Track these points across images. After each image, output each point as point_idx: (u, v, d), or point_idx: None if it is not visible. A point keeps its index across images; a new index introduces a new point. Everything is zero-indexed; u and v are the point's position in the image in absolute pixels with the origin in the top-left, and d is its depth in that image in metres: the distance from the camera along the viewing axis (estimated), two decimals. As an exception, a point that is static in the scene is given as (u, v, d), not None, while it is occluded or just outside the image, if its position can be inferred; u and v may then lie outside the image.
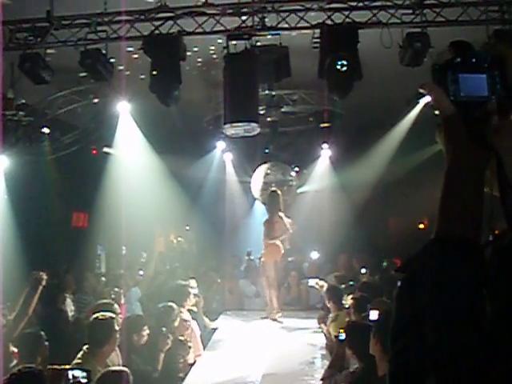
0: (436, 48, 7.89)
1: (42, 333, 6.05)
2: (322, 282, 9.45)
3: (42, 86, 8.64)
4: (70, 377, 3.77)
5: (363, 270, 10.72)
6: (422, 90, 1.41)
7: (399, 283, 1.27)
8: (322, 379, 5.50)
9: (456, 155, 1.32)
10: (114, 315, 5.97)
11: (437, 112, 1.37)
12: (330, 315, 8.49)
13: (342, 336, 5.82)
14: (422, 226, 16.66)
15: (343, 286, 8.93)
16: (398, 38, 7.76)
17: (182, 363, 6.87)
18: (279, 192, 11.12)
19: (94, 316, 5.74)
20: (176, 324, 7.17)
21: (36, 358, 5.50)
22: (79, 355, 4.98)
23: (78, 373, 3.82)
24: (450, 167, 1.33)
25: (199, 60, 9.85)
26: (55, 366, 3.83)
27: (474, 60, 1.32)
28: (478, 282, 1.19)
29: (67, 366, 3.85)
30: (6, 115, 7.16)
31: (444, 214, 1.30)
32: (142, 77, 8.93)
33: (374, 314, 5.81)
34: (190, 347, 7.33)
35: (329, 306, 8.25)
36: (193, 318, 8.33)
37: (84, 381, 3.81)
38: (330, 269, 11.85)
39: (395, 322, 1.23)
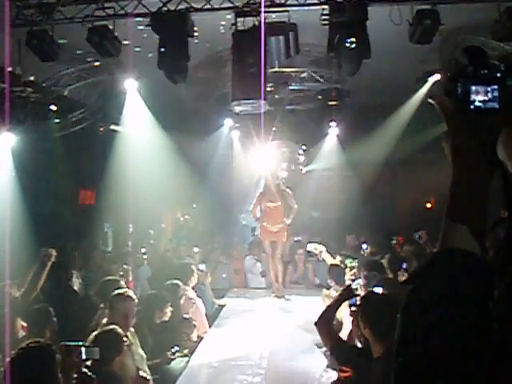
0: (446, 25, 7.83)
1: (51, 308, 6.09)
2: (320, 247, 9.47)
3: (48, 63, 8.60)
4: (83, 353, 3.77)
5: (364, 246, 10.72)
6: (430, 101, 1.39)
7: (407, 294, 1.25)
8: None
9: (462, 167, 1.31)
10: (129, 290, 6.04)
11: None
12: (332, 293, 8.53)
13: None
14: (429, 205, 16.66)
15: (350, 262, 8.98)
16: (408, 15, 7.67)
17: (185, 341, 6.92)
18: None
19: (113, 294, 5.77)
20: (182, 302, 7.20)
21: (44, 332, 5.55)
22: (98, 331, 4.97)
23: (90, 349, 3.83)
24: (455, 179, 1.32)
25: (206, 37, 9.77)
26: (68, 343, 3.84)
27: (486, 70, 1.29)
28: (485, 294, 1.19)
29: (80, 343, 3.86)
30: (14, 91, 7.13)
31: (450, 225, 1.29)
32: (150, 55, 8.89)
33: (378, 291, 5.81)
34: (194, 325, 7.38)
35: (331, 284, 8.27)
36: (198, 296, 8.37)
37: (97, 357, 3.83)
38: (336, 248, 11.84)
39: (402, 332, 1.23)
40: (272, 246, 11.22)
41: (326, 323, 4.68)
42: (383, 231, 13.50)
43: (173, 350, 6.57)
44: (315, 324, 4.83)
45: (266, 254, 11.53)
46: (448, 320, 1.15)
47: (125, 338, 5.15)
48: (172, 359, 6.58)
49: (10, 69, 8.19)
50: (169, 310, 6.90)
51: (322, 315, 4.84)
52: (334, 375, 5.99)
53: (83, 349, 3.79)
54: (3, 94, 7.05)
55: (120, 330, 4.83)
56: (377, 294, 5.20)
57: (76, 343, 3.84)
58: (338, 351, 4.42)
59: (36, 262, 7.29)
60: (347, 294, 5.21)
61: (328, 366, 6.07)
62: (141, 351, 5.76)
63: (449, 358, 1.13)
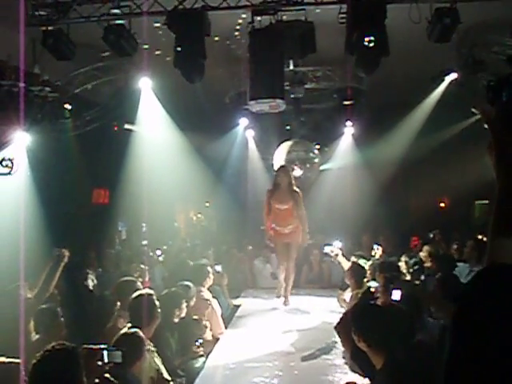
0: (465, 23, 7.75)
1: (58, 309, 6.06)
2: (336, 250, 9.44)
3: (63, 62, 8.58)
4: (105, 357, 3.74)
5: (375, 246, 10.66)
6: (474, 110, 1.33)
7: (454, 313, 1.19)
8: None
9: (508, 177, 1.25)
10: (151, 291, 5.98)
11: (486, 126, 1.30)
12: (348, 293, 8.47)
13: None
14: (442, 204, 16.57)
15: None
16: (427, 14, 7.59)
17: (198, 342, 6.87)
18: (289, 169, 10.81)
19: (135, 295, 5.73)
20: (192, 303, 7.13)
21: (50, 333, 5.51)
22: (120, 334, 4.90)
23: (113, 353, 3.79)
24: (500, 192, 1.26)
25: (221, 36, 9.73)
26: (90, 346, 3.80)
27: None
28: None
29: (102, 346, 3.82)
30: (32, 91, 7.11)
31: (496, 239, 1.23)
32: (160, 52, 8.86)
33: (396, 294, 5.72)
34: (206, 326, 7.34)
35: (349, 283, 8.20)
36: (213, 297, 8.33)
37: (119, 361, 3.78)
38: (352, 248, 11.78)
39: (453, 353, 1.16)
40: (286, 248, 10.29)
41: (347, 328, 4.60)
42: (398, 231, 13.44)
43: (197, 344, 6.57)
44: (335, 328, 4.77)
45: (278, 258, 10.69)
46: (503, 339, 1.09)
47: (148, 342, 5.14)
48: (198, 354, 6.59)
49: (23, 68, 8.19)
50: (184, 305, 6.89)
51: (341, 320, 4.77)
52: (352, 377, 5.95)
53: (105, 352, 3.74)
54: (18, 93, 7.03)
55: (141, 334, 4.79)
56: (368, 304, 5.13)
57: (98, 346, 3.80)
58: (359, 357, 4.34)
59: (49, 263, 7.27)
60: (367, 297, 5.16)
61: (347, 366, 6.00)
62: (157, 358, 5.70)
63: (506, 377, 1.08)
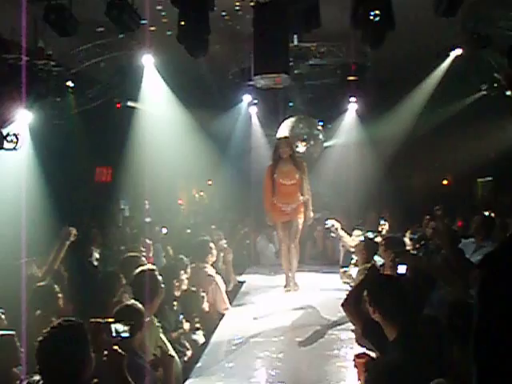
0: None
1: (56, 286, 6.06)
2: (336, 224, 9.44)
3: (65, 39, 8.51)
4: (113, 330, 3.73)
5: (382, 221, 10.66)
6: (497, 75, 1.29)
7: (481, 279, 1.17)
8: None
9: None
10: (154, 267, 5.97)
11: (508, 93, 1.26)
12: (353, 268, 8.46)
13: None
14: (445, 182, 16.56)
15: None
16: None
17: (195, 312, 6.88)
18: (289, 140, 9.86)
19: (137, 271, 5.71)
20: (183, 277, 7.08)
21: (49, 310, 5.51)
22: (118, 308, 4.90)
23: (120, 326, 3.78)
24: None
25: (223, 12, 9.65)
26: (97, 319, 3.79)
27: None
28: None
29: (110, 320, 3.81)
30: (36, 65, 7.05)
31: None
32: (162, 29, 8.80)
33: (402, 268, 5.72)
34: (203, 298, 7.36)
35: (358, 257, 8.16)
36: (217, 273, 8.33)
37: (126, 335, 3.77)
38: (355, 225, 11.77)
39: (482, 319, 1.14)
40: (286, 227, 9.51)
41: (355, 304, 4.59)
42: (402, 207, 13.43)
43: (184, 319, 6.58)
44: (342, 306, 4.75)
45: (279, 238, 10.06)
46: None
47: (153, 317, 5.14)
48: (194, 327, 6.62)
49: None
50: (184, 277, 6.89)
51: (348, 297, 4.76)
52: (359, 351, 5.97)
53: (113, 325, 3.74)
54: (20, 68, 6.95)
55: (139, 306, 4.78)
56: (384, 276, 5.12)
57: (106, 320, 3.79)
58: (370, 332, 4.34)
59: (56, 241, 7.27)
60: (373, 272, 5.14)
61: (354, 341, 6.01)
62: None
63: None
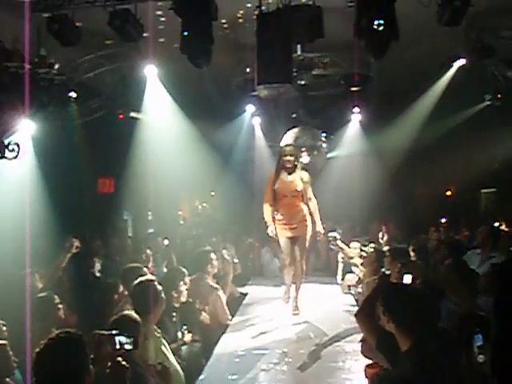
0: (476, 7, 7.65)
1: (56, 296, 6.02)
2: (335, 234, 9.39)
3: (68, 50, 8.51)
4: (117, 342, 3.67)
5: (380, 234, 10.64)
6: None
7: (498, 292, 1.13)
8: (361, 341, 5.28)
9: None
10: (152, 277, 5.91)
11: None
12: (353, 278, 8.42)
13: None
14: (449, 193, 16.50)
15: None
16: (436, -4, 7.51)
17: (193, 324, 6.83)
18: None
19: (136, 282, 5.65)
20: (183, 288, 7.01)
21: (49, 321, 5.46)
22: (113, 319, 4.85)
23: (123, 338, 3.73)
24: None
25: (226, 23, 9.65)
26: (101, 331, 3.73)
27: None
28: None
29: (114, 332, 3.75)
30: (38, 73, 7.03)
31: None
32: (165, 40, 8.78)
33: (408, 278, 5.66)
34: (202, 310, 7.32)
35: (365, 269, 8.12)
36: (217, 283, 8.26)
37: (130, 347, 3.72)
38: (360, 235, 11.71)
39: (500, 330, 1.10)
40: (291, 243, 8.55)
41: (368, 315, 4.50)
42: (405, 218, 13.38)
43: (183, 329, 6.52)
44: (355, 316, 4.67)
45: (282, 257, 9.15)
46: None
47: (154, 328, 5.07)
48: (190, 339, 6.55)
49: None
50: (184, 288, 6.82)
51: (362, 307, 4.68)
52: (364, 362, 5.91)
53: (116, 338, 3.68)
54: (24, 76, 6.91)
55: (135, 316, 4.73)
56: (399, 285, 5.04)
57: (109, 332, 3.74)
58: (383, 342, 4.25)
59: (59, 252, 7.27)
60: (386, 282, 5.08)
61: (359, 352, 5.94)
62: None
63: None
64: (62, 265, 7.22)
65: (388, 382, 3.78)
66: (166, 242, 11.17)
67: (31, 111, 6.76)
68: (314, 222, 8.49)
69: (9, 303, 5.96)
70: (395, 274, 6.31)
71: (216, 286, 8.07)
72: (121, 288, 6.91)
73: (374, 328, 4.34)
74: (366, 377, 4.30)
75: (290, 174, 8.37)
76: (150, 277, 5.88)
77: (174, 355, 5.78)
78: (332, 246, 9.83)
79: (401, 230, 11.96)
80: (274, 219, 8.51)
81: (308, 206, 8.45)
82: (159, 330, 5.57)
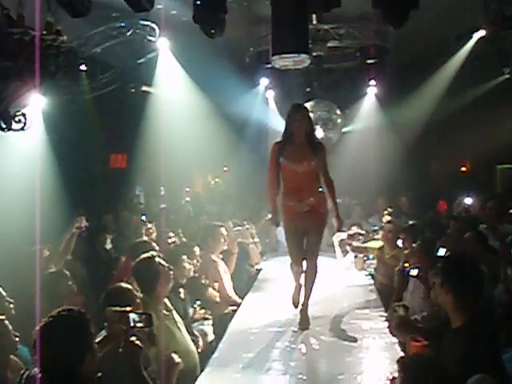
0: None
1: (67, 272, 5.94)
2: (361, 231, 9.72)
3: (78, 22, 8.29)
4: (131, 320, 3.56)
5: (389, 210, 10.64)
6: None
7: None
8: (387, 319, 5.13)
9: None
10: (155, 253, 5.75)
11: None
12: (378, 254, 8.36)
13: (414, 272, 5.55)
14: (464, 168, 16.29)
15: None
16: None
17: (196, 303, 6.72)
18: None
19: (138, 259, 5.52)
20: (186, 263, 6.88)
21: (57, 297, 5.37)
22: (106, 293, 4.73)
23: (137, 316, 3.61)
24: None
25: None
26: (116, 308, 3.62)
27: None
28: None
29: (128, 308, 3.63)
30: (45, 40, 6.82)
31: None
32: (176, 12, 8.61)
33: (442, 251, 5.58)
34: (209, 285, 7.33)
35: (385, 243, 8.22)
36: (222, 259, 8.17)
37: (141, 325, 3.60)
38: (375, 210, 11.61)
39: None
40: (299, 235, 6.66)
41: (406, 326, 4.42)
42: (420, 194, 13.22)
43: (195, 306, 6.43)
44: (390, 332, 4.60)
45: (292, 255, 6.91)
46: None
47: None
48: (201, 316, 6.54)
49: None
50: (186, 264, 6.73)
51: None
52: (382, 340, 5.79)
53: (130, 315, 3.57)
54: (30, 42, 6.66)
55: (128, 286, 4.65)
56: (461, 255, 4.85)
57: (123, 309, 3.62)
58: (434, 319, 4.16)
59: (69, 228, 7.22)
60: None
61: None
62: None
63: None
64: (72, 243, 7.17)
65: (431, 362, 3.49)
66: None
67: (39, 81, 6.53)
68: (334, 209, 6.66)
69: (18, 279, 5.90)
70: (420, 249, 6.18)
71: (216, 259, 7.96)
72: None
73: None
74: (403, 350, 4.18)
75: (299, 145, 6.38)
76: (153, 253, 5.72)
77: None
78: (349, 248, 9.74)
79: (415, 205, 11.81)
80: (281, 205, 6.67)
81: (325, 185, 6.56)
82: (171, 307, 5.44)
